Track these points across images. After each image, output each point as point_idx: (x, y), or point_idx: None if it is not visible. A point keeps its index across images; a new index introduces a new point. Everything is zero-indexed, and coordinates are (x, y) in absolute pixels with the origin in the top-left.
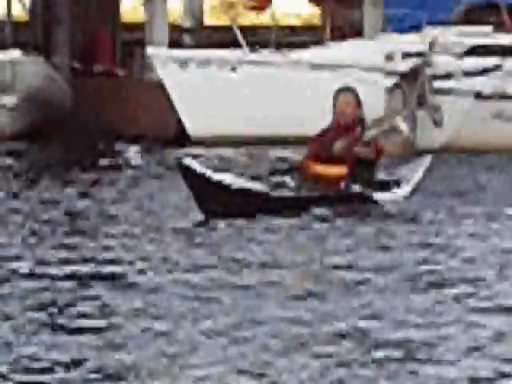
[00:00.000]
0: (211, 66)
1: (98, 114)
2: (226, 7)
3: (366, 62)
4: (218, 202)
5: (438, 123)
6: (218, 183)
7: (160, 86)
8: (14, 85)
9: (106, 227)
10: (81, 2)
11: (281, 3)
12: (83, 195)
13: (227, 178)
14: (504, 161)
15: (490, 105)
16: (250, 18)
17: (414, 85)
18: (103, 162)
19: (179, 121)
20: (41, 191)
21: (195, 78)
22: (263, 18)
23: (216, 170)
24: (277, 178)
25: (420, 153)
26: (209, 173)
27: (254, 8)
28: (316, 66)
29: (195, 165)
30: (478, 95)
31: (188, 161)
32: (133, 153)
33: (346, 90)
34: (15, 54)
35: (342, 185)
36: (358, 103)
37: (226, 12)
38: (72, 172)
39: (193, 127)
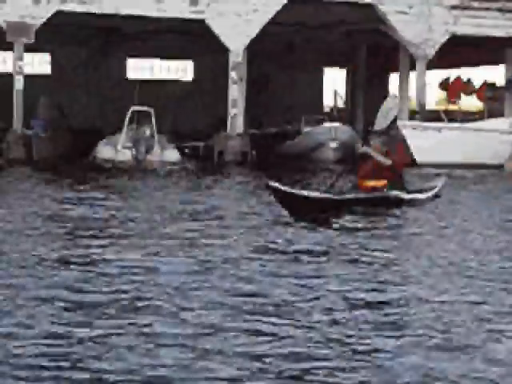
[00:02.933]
0: (428, 130)
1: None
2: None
3: (503, 128)
4: (295, 206)
5: None
6: (292, 194)
7: (404, 140)
8: (336, 137)
9: None
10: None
11: (464, 100)
12: None
13: (298, 191)
14: None
15: None
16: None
17: None
18: None
19: (411, 154)
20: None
21: (420, 135)
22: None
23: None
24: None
25: None
26: (284, 188)
27: (449, 102)
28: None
29: (277, 185)
30: None
31: (273, 183)
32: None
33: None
34: (337, 124)
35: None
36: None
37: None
38: None
39: (418, 158)
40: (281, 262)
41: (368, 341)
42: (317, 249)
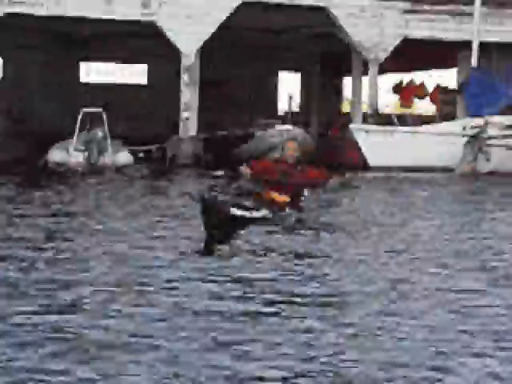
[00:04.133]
0: (378, 133)
1: (329, 153)
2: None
3: (455, 131)
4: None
5: (488, 160)
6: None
7: (356, 143)
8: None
9: None
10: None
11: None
12: None
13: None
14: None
15: None
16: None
17: (476, 141)
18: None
19: (363, 157)
20: None
21: (372, 138)
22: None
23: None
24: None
25: (479, 174)
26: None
27: (402, 105)
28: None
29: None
30: (508, 147)
31: (207, 195)
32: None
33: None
34: (289, 127)
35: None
36: (298, 148)
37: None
38: None
39: (370, 161)
40: None
41: None
42: None
